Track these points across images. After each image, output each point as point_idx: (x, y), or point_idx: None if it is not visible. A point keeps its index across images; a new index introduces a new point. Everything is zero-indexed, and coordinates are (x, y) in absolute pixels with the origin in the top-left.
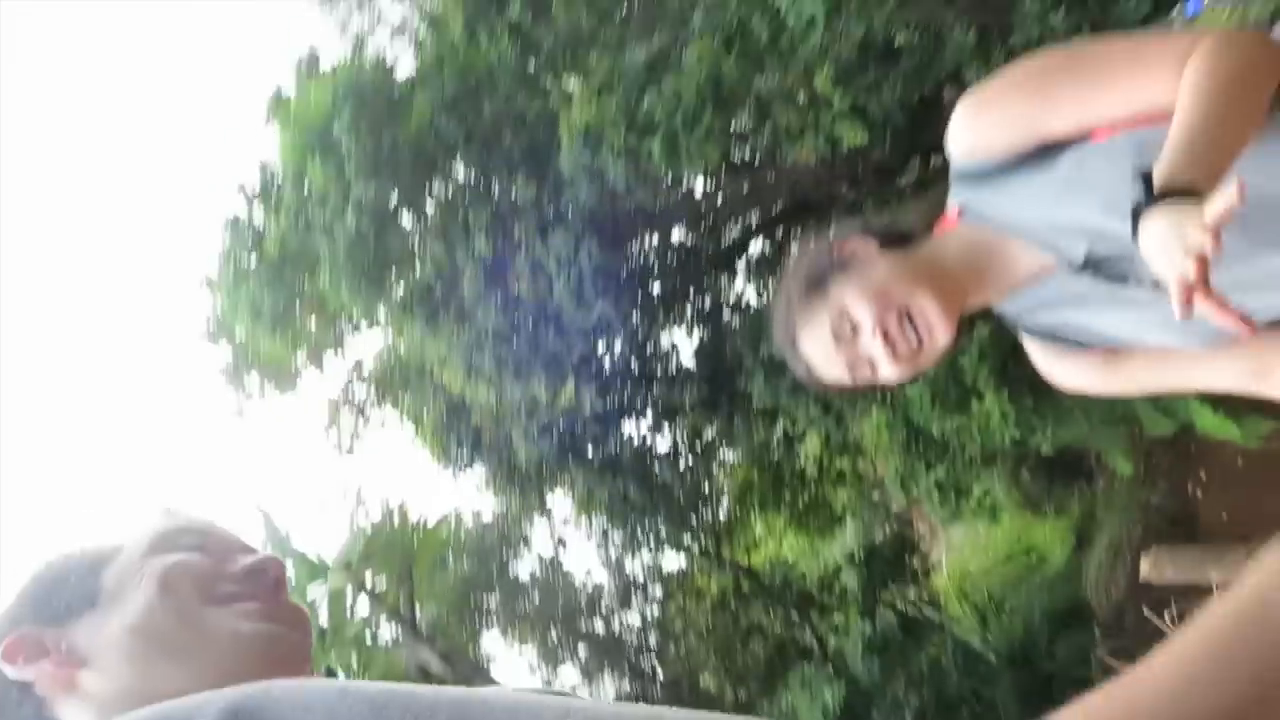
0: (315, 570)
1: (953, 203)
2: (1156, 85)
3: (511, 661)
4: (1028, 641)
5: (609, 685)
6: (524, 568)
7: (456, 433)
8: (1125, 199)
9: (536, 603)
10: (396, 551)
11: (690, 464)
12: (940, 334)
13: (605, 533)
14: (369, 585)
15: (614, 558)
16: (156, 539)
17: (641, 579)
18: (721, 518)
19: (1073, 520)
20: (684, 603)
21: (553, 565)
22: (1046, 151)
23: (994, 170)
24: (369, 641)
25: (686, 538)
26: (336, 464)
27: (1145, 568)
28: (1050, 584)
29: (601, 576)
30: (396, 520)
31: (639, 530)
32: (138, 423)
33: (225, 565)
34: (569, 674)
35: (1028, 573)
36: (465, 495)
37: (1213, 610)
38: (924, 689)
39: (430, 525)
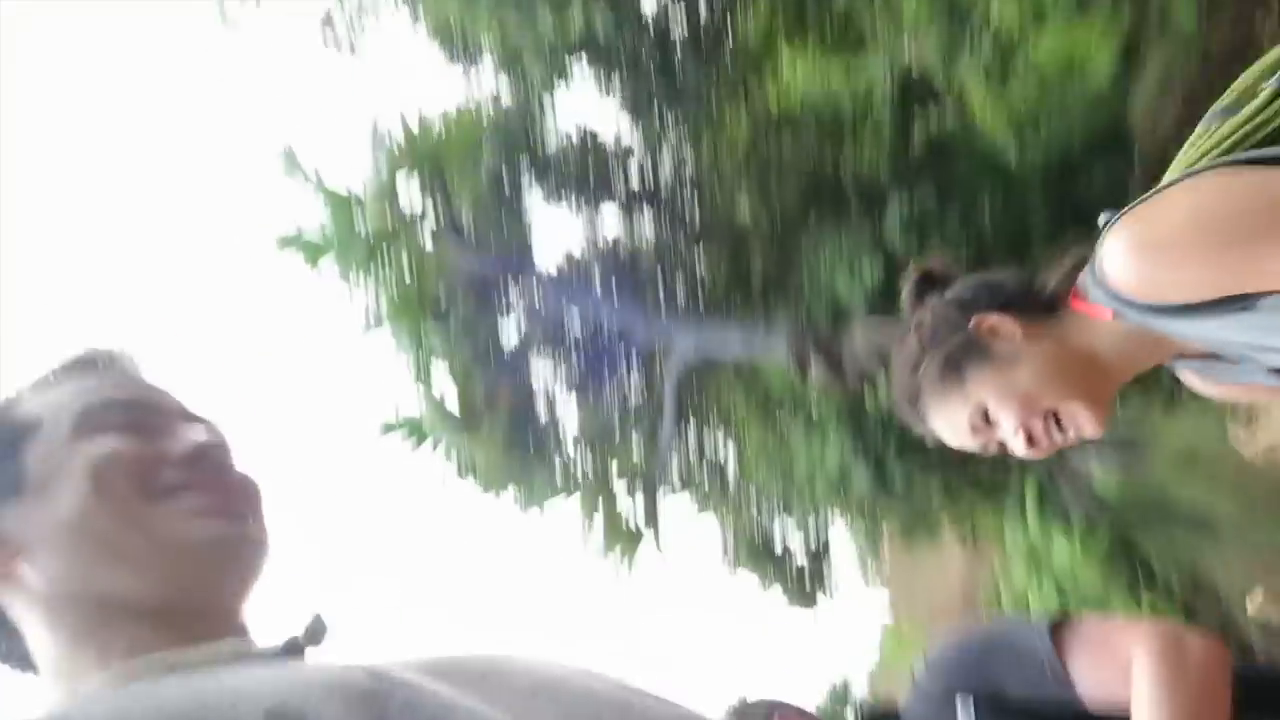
0: (348, 205)
1: (1100, 305)
2: None
3: (550, 229)
4: (1064, 160)
5: (648, 229)
6: (552, 143)
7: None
8: None
9: (571, 170)
10: (425, 159)
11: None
12: (1091, 433)
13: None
14: (403, 201)
15: (641, 120)
16: (81, 416)
17: (671, 136)
18: (746, 60)
19: (1123, 30)
20: (715, 149)
21: (582, 138)
22: (1242, 296)
23: (1168, 310)
24: (412, 252)
25: (713, 82)
26: (345, 75)
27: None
28: (1092, 103)
29: (631, 139)
30: (418, 127)
31: (664, 98)
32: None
33: (164, 447)
34: (610, 219)
35: (1069, 81)
36: (484, 83)
37: None
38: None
39: (452, 120)
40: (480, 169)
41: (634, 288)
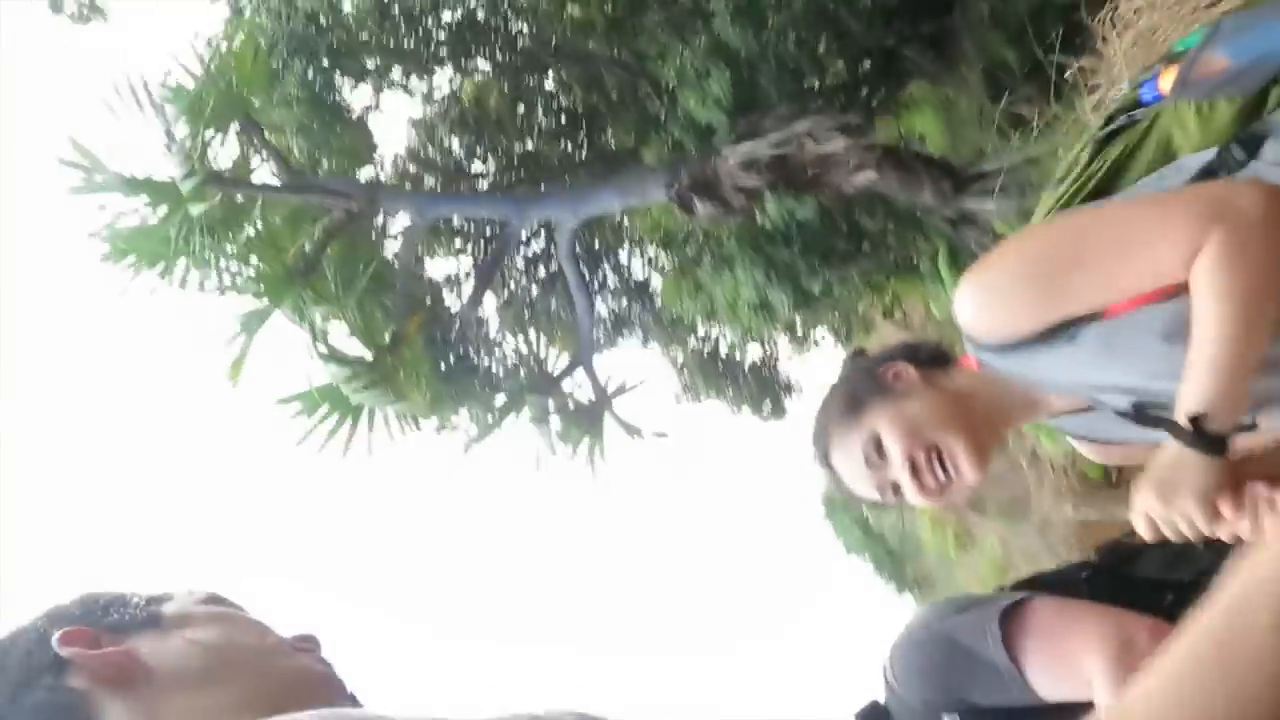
0: (166, 192)
1: (970, 355)
2: (1170, 269)
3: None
4: None
5: (482, 65)
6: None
7: None
8: (1165, 366)
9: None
10: (223, 103)
11: None
12: (969, 475)
13: None
14: (218, 165)
15: None
16: (207, 596)
17: None
18: None
19: None
20: None
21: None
22: (1066, 326)
23: (1012, 347)
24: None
25: None
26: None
27: None
28: None
29: None
30: (194, 71)
31: None
32: None
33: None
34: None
35: None
36: None
37: (1199, 621)
38: (803, 29)
39: (229, 50)
40: (287, 84)
41: (497, 157)
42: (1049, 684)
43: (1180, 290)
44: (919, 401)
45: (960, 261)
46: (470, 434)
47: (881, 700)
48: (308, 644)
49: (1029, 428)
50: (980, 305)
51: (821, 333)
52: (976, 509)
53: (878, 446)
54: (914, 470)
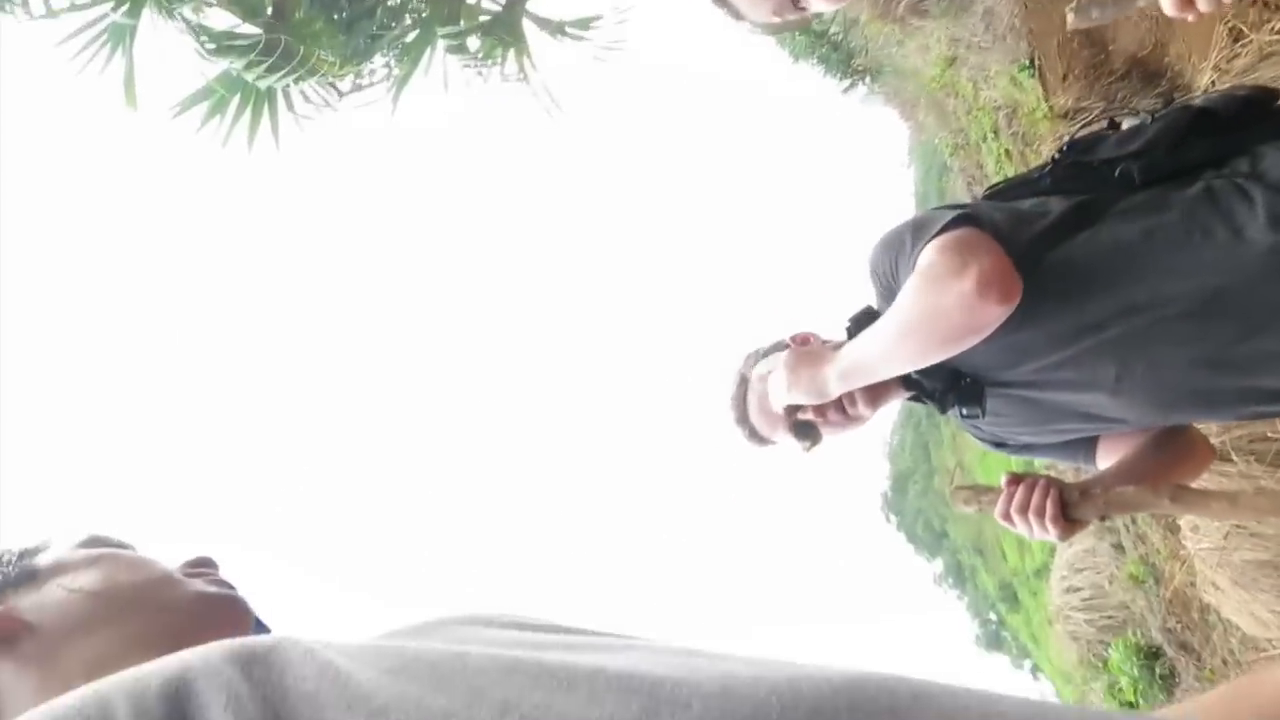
0: None
1: None
2: None
3: None
4: None
5: None
6: None
7: None
8: None
9: None
10: None
11: None
12: None
13: None
14: None
15: None
16: (86, 539)
17: None
18: None
19: None
20: None
21: None
22: None
23: None
24: None
25: None
26: None
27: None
28: None
29: None
30: None
31: None
32: None
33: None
34: None
35: None
36: None
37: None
38: None
39: None
40: None
41: None
42: None
43: None
44: None
45: None
46: (390, 86)
47: (874, 304)
48: (201, 566)
49: None
50: None
51: None
52: (918, 13)
53: None
54: None
